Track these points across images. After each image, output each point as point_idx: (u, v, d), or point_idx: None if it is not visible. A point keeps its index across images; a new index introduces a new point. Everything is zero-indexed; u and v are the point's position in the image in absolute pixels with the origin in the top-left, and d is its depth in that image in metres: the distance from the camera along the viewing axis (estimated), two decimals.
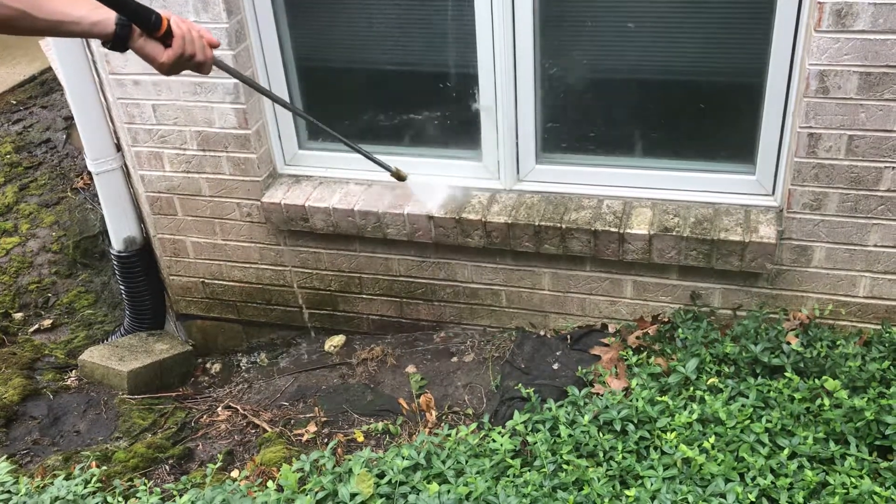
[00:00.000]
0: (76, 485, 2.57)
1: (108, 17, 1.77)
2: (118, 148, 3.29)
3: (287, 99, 3.11)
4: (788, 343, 2.64)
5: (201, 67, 1.96)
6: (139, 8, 1.80)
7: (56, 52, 3.09)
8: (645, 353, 2.79)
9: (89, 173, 3.45)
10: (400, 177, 2.76)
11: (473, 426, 2.58)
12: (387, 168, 2.69)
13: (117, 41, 1.81)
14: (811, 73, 2.42)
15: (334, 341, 3.43)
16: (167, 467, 2.86)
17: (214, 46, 1.97)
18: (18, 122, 4.96)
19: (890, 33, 2.30)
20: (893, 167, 2.49)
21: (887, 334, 2.65)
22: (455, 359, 3.16)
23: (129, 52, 2.71)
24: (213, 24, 2.82)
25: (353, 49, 3.03)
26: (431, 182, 2.94)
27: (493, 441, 2.47)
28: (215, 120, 3.04)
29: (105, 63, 3.02)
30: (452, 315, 3.28)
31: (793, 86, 2.57)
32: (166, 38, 1.85)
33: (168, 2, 2.81)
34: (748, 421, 2.38)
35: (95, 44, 3.00)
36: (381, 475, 2.39)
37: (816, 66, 2.40)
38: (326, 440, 2.83)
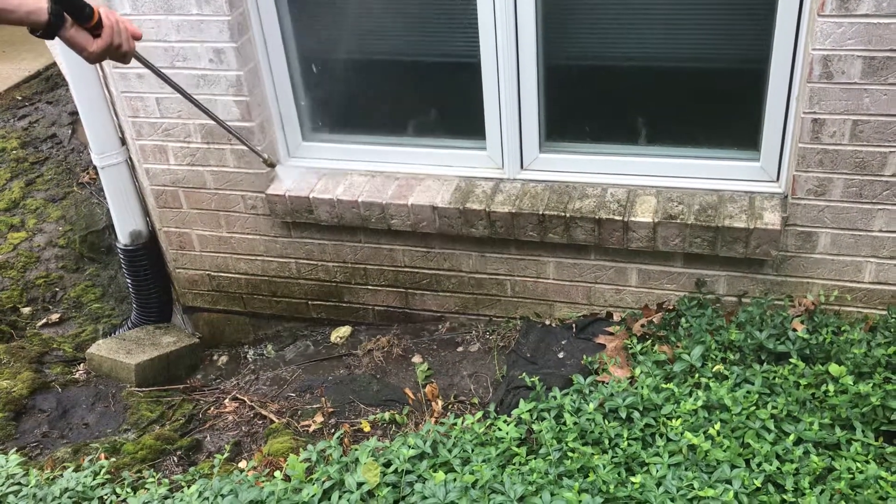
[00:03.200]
0: (85, 476, 2.59)
1: (41, 7, 1.84)
2: (123, 142, 3.30)
3: (290, 90, 3.11)
4: (794, 330, 2.64)
5: (125, 57, 2.08)
6: (76, 0, 1.89)
7: (60, 48, 3.09)
8: (650, 341, 2.79)
9: (95, 168, 3.47)
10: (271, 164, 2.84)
11: (479, 415, 2.58)
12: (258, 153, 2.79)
13: (49, 30, 1.88)
14: (815, 59, 2.41)
15: (340, 332, 3.44)
16: (175, 459, 2.87)
17: (137, 38, 2.08)
18: (24, 118, 4.97)
19: (893, 17, 2.28)
20: None
21: (893, 320, 2.65)
22: (461, 349, 3.17)
23: None
24: (216, 17, 2.83)
25: (356, 40, 3.02)
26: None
27: (499, 430, 2.48)
28: (219, 112, 3.04)
29: None
30: (457, 305, 3.28)
31: (796, 71, 2.56)
32: (96, 29, 1.94)
33: None
34: (753, 407, 2.38)
35: None
36: (387, 464, 2.40)
37: (820, 51, 2.39)
38: (333, 430, 2.84)
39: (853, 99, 2.44)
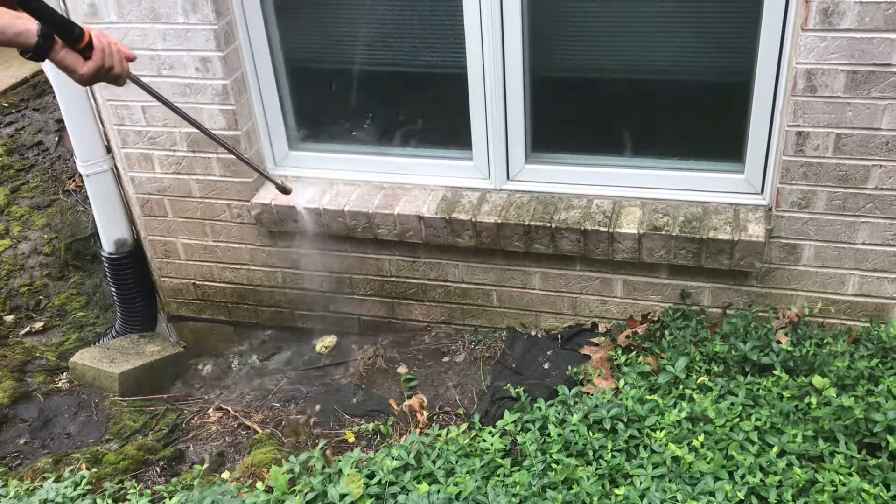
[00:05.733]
0: (66, 487, 2.57)
1: (30, 28, 1.82)
2: (108, 150, 3.29)
3: (277, 99, 3.11)
4: (778, 342, 2.65)
5: (118, 80, 2.04)
6: (64, 21, 1.87)
7: None
8: (635, 353, 2.79)
9: (80, 175, 3.45)
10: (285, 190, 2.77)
11: (464, 426, 2.58)
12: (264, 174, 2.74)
13: (38, 52, 1.86)
14: (798, 72, 2.42)
15: (325, 342, 3.43)
16: (158, 469, 2.85)
17: (131, 60, 2.06)
18: (10, 125, 4.95)
19: (876, 32, 2.30)
20: (881, 165, 2.49)
21: (875, 332, 2.66)
22: (446, 359, 3.16)
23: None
24: (202, 26, 2.82)
25: (343, 49, 3.03)
26: None
27: (484, 441, 2.47)
28: (205, 121, 3.03)
29: None
30: (443, 315, 3.28)
31: (780, 85, 2.57)
32: (87, 51, 1.92)
33: (157, 3, 2.81)
34: (737, 419, 2.38)
35: None
36: (370, 475, 2.39)
37: (804, 64, 2.41)
38: (317, 441, 2.83)
39: (836, 112, 2.46)
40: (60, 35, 1.87)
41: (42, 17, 1.83)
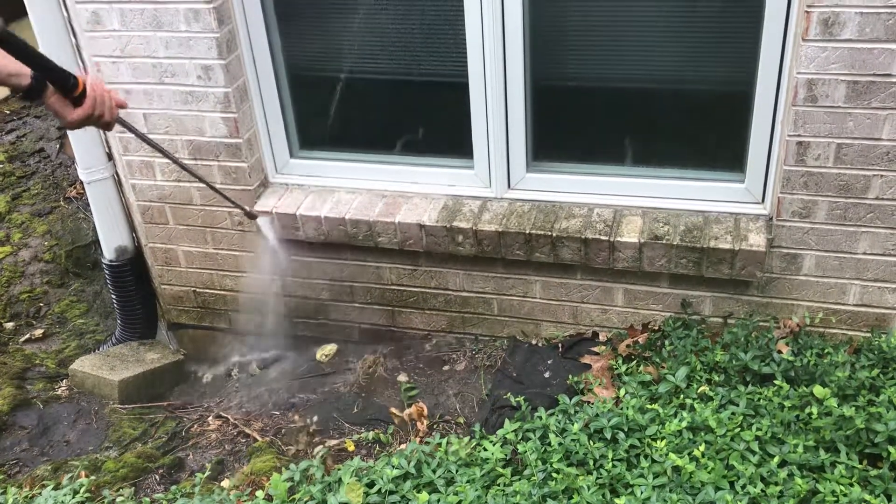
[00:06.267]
0: (64, 495, 2.56)
1: (24, 71, 1.88)
2: (110, 157, 3.29)
3: (279, 107, 3.12)
4: (779, 351, 2.64)
5: (107, 126, 2.13)
6: (60, 71, 1.93)
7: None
8: (635, 362, 2.79)
9: (82, 183, 3.45)
10: (251, 215, 3.04)
11: (466, 438, 2.57)
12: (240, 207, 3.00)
13: (30, 94, 1.93)
14: (799, 82, 2.43)
15: (326, 350, 3.43)
16: (157, 477, 2.84)
17: (122, 107, 2.14)
18: (12, 132, 4.96)
19: (876, 42, 2.31)
20: (881, 175, 2.50)
21: (876, 342, 2.65)
22: (447, 367, 3.16)
23: (120, 60, 2.73)
24: (204, 34, 2.83)
25: (345, 58, 3.03)
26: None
27: (484, 450, 2.47)
28: (206, 129, 3.04)
29: (97, 72, 3.03)
30: (444, 324, 3.28)
31: (781, 95, 2.58)
32: (80, 99, 1.98)
33: (159, 11, 2.82)
34: (738, 429, 2.37)
35: (86, 53, 3.00)
36: (370, 484, 2.38)
37: (804, 74, 2.41)
38: (317, 449, 2.82)
39: (837, 122, 2.46)
40: (54, 82, 1.92)
41: (40, 67, 1.89)
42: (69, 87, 1.94)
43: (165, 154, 2.60)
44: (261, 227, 3.15)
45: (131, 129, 2.37)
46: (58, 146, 4.79)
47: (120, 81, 3.01)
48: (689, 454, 2.30)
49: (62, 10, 2.94)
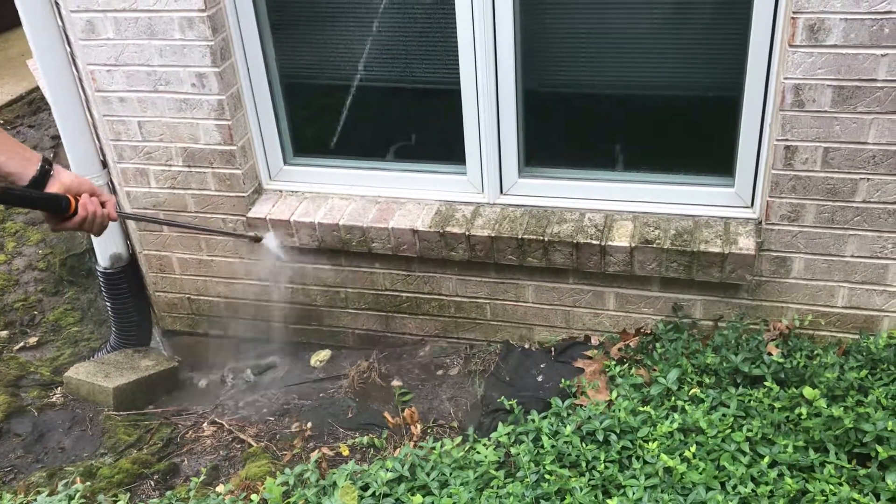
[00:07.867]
0: (59, 501, 2.57)
1: (26, 173, 1.88)
2: (104, 164, 3.30)
3: (272, 114, 3.14)
4: (769, 353, 2.67)
5: (94, 234, 2.16)
6: (51, 198, 1.91)
7: (43, 71, 3.11)
8: (627, 365, 2.81)
9: None
10: (257, 239, 3.18)
11: (458, 439, 2.59)
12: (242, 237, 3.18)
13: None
14: (786, 87, 2.46)
15: (320, 356, 3.44)
16: (152, 483, 2.85)
17: (113, 220, 2.12)
18: None
19: (861, 48, 2.35)
20: (868, 178, 2.53)
21: (865, 343, 2.68)
22: (440, 372, 3.18)
23: (114, 68, 2.74)
24: (198, 42, 2.85)
25: (338, 65, 3.06)
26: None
27: (478, 453, 2.48)
28: (200, 136, 3.06)
29: (91, 80, 3.05)
30: (438, 328, 3.29)
31: (769, 100, 2.61)
32: (72, 216, 1.97)
33: (154, 20, 2.84)
34: (729, 430, 2.40)
35: (81, 61, 3.02)
36: (365, 487, 2.40)
37: (791, 80, 2.45)
38: (311, 454, 2.83)
39: (824, 127, 2.49)
40: (47, 211, 1.92)
41: (31, 205, 1.92)
42: (61, 209, 1.93)
43: (161, 223, 2.71)
44: (267, 246, 3.18)
45: (130, 217, 2.37)
46: (52, 155, 4.80)
47: (114, 89, 3.04)
48: (680, 455, 2.32)
49: (56, 19, 2.96)
